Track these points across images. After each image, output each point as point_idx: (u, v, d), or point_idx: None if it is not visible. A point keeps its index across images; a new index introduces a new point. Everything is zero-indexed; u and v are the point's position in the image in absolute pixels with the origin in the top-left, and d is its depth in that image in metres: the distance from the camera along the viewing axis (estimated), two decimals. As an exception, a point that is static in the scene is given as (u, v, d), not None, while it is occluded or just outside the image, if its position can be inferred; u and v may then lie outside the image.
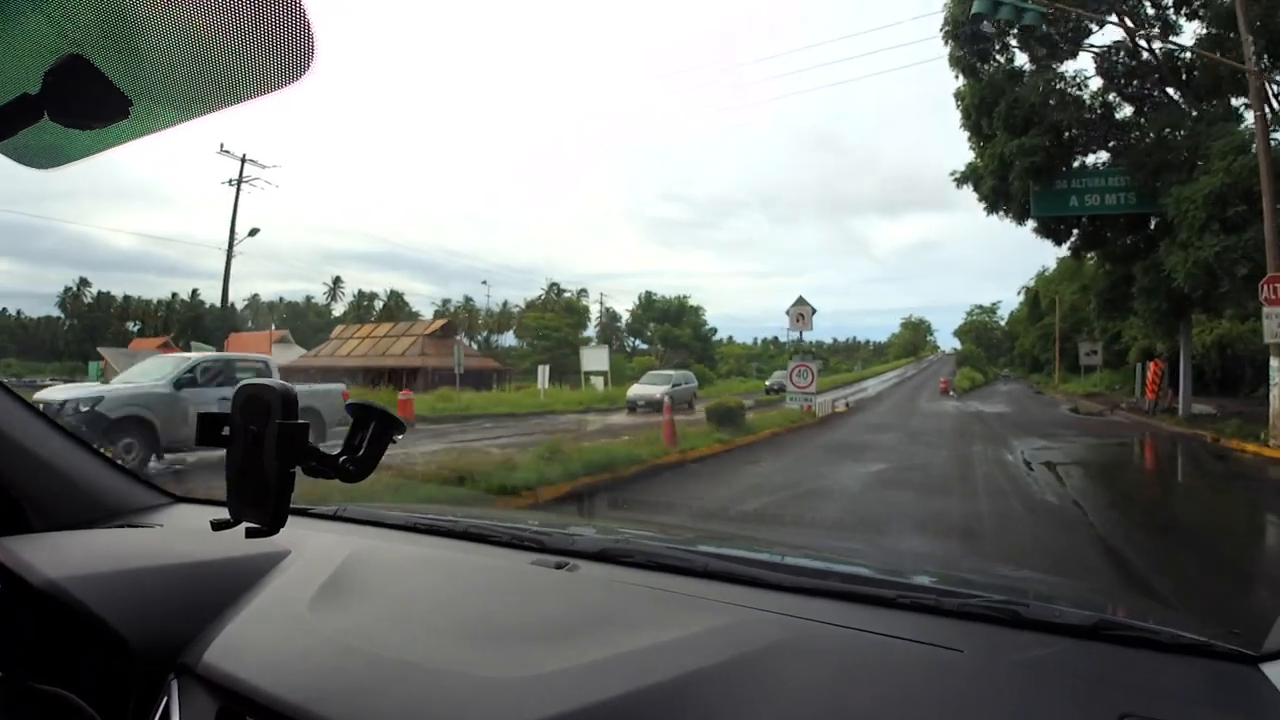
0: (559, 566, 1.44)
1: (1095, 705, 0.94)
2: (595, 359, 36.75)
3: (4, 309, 69.44)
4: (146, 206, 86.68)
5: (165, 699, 1.12)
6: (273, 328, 53.96)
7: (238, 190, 28.16)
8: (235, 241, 27.37)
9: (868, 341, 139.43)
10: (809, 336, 22.30)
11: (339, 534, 1.69)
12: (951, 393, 42.54)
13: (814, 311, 21.69)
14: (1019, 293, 66.29)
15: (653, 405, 24.98)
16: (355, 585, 1.33)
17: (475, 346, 63.71)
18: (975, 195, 22.72)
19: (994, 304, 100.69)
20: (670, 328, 67.04)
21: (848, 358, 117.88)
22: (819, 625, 1.17)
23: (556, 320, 61.32)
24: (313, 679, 1.02)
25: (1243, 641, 1.06)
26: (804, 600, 1.28)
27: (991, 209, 22.49)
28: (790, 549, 1.82)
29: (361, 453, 0.99)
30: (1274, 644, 1.02)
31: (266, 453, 0.92)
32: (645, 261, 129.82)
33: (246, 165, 29.24)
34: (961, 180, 23.09)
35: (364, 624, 1.19)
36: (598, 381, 33.06)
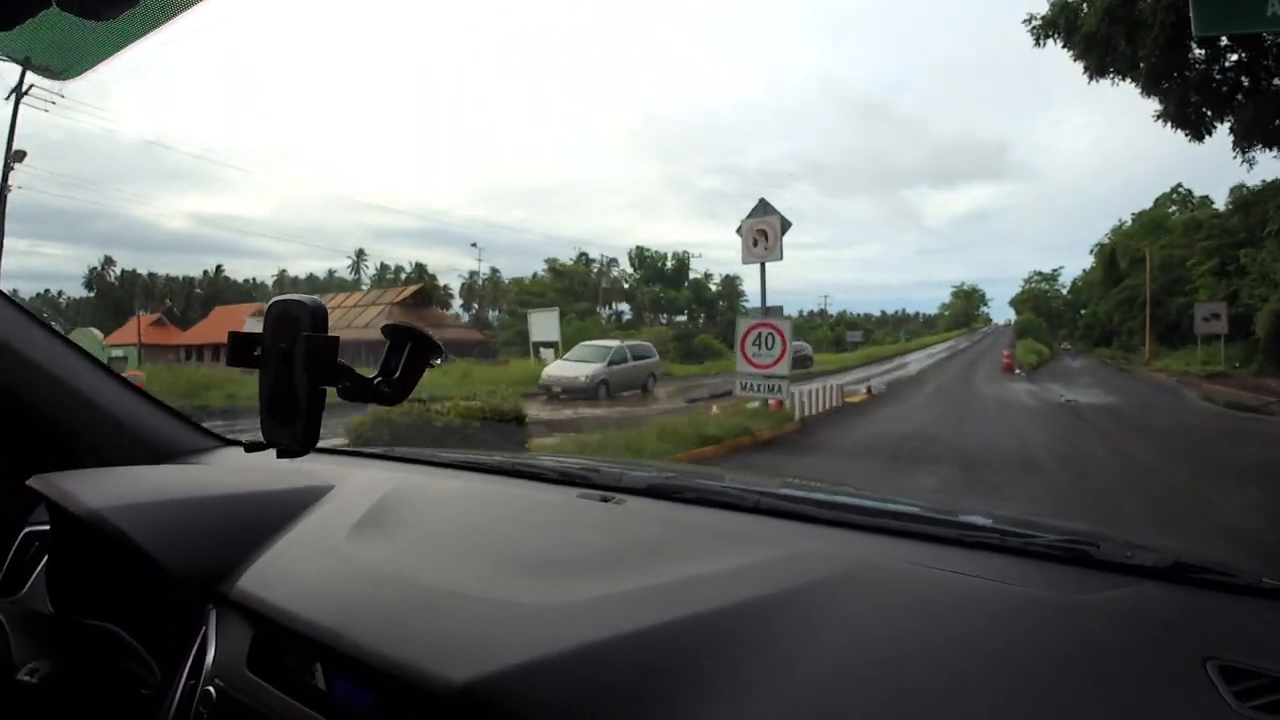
0: (605, 500, 1.41)
1: (1174, 649, 0.88)
2: (544, 326, 28.48)
3: (47, 289, 66.89)
4: (193, 186, 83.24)
5: (204, 629, 1.14)
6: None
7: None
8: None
9: (917, 314, 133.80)
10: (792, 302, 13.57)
11: (386, 471, 1.70)
12: (1018, 370, 33.29)
13: (787, 227, 12.85)
14: (1091, 251, 55.91)
15: (578, 391, 18.11)
16: (395, 518, 1.31)
17: (469, 317, 57.12)
18: (1069, 53, 13.97)
19: (1055, 270, 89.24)
20: (665, 290, 57.83)
21: (894, 330, 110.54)
22: (876, 560, 1.12)
23: (540, 286, 53.32)
24: (345, 605, 1.00)
25: None
26: (860, 536, 1.26)
27: (1100, 67, 13.46)
28: (847, 488, 1.84)
29: (398, 375, 0.93)
30: None
31: (297, 370, 0.89)
32: (694, 234, 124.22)
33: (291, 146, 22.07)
34: (1046, 28, 14.08)
35: (401, 554, 1.17)
36: (548, 354, 24.93)
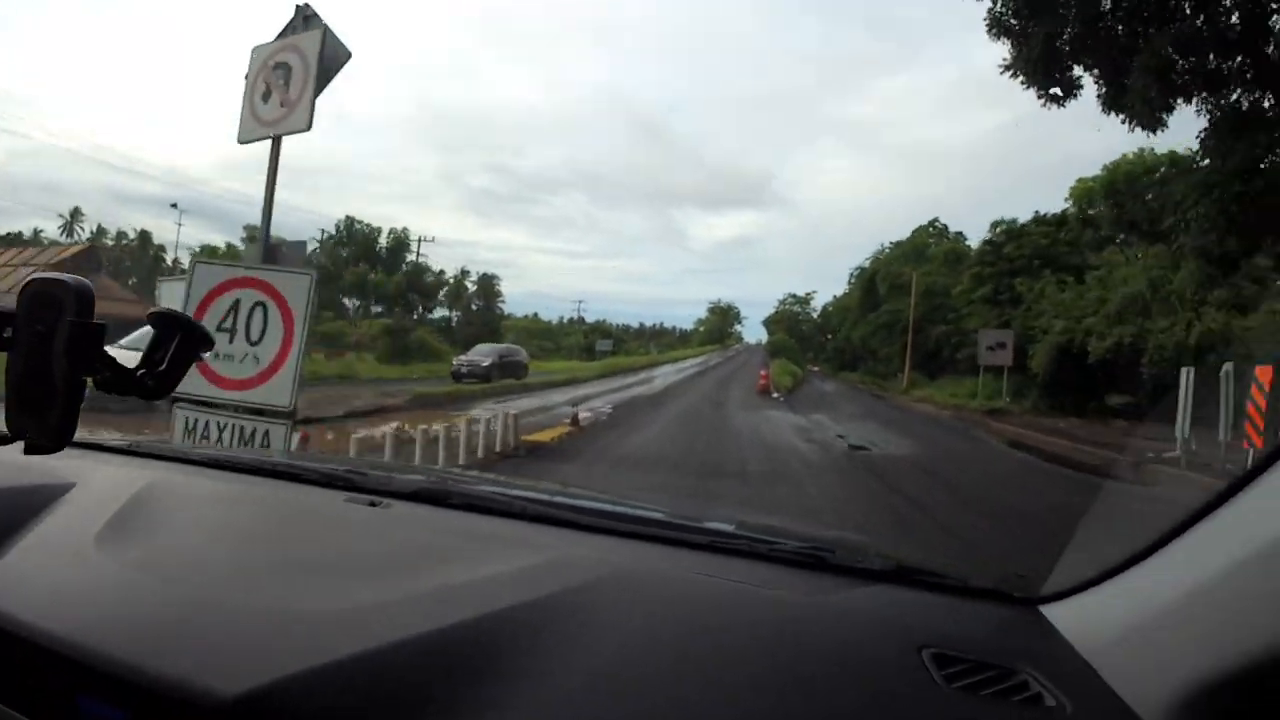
0: (373, 505, 1.36)
1: (896, 640, 0.98)
2: (173, 296, 17.37)
3: None
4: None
5: None
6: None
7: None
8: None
9: (675, 328, 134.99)
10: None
11: (133, 468, 1.53)
12: (775, 393, 27.35)
13: (338, 63, 4.66)
14: (851, 275, 53.56)
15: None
16: (149, 519, 1.21)
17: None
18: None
19: (809, 294, 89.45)
20: (377, 272, 47.63)
21: (650, 342, 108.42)
22: (635, 565, 1.18)
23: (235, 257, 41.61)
24: (97, 616, 0.91)
25: (1025, 586, 1.16)
26: (621, 542, 1.31)
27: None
28: (608, 496, 1.82)
29: (164, 367, 0.87)
30: (1051, 588, 1.11)
31: (55, 356, 0.80)
32: (465, 231, 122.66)
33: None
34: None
35: (157, 558, 1.08)
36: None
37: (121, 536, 1.12)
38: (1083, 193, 30.62)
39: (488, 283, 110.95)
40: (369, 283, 44.40)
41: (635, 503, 1.73)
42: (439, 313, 62.62)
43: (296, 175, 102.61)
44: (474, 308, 73.22)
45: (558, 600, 0.98)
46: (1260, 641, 0.67)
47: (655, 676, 0.86)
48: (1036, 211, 32.22)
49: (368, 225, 46.04)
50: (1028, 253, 30.47)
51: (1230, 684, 0.71)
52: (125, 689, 0.81)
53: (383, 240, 48.27)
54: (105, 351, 0.82)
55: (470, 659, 0.84)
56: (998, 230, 33.36)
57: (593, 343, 67.43)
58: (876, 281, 46.56)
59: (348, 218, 46.42)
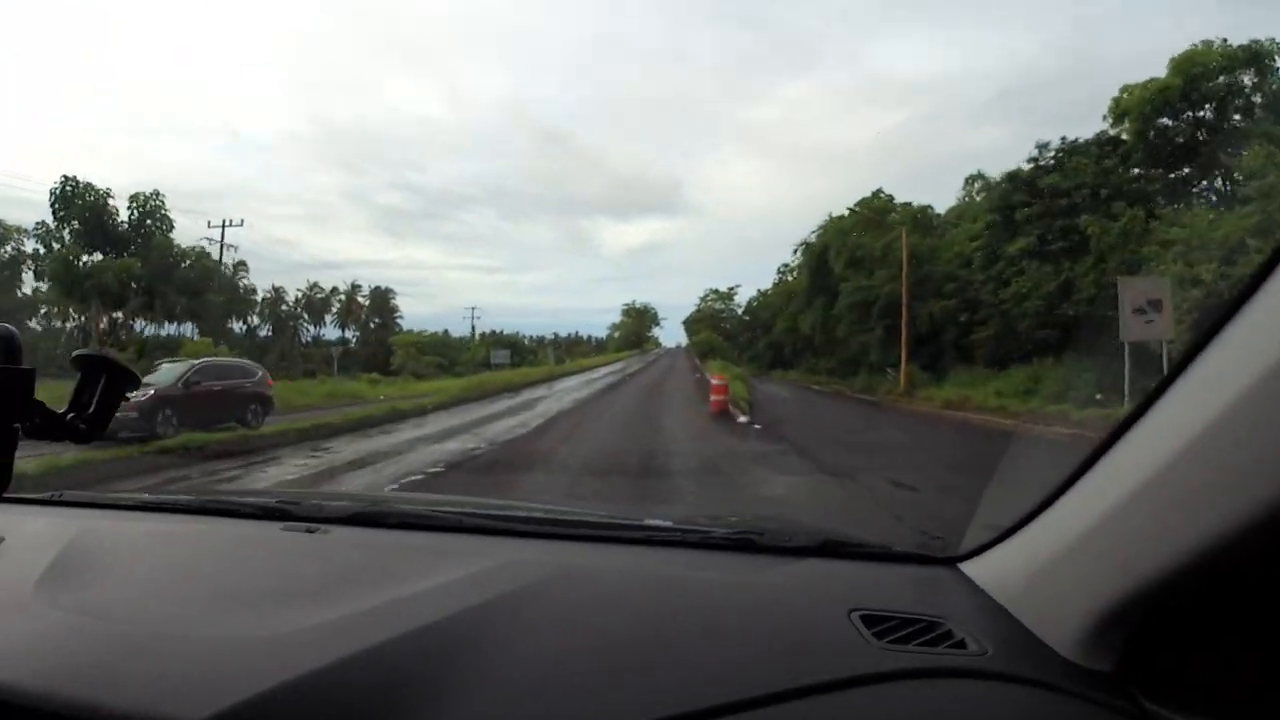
0: (310, 532, 1.36)
1: (826, 606, 1.04)
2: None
3: None
4: None
5: None
6: None
7: None
8: None
9: (590, 337, 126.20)
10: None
11: (60, 518, 1.49)
12: (742, 416, 15.53)
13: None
14: (795, 251, 42.34)
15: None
16: (86, 565, 1.18)
17: None
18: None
19: (732, 288, 78.63)
20: (130, 264, 32.25)
21: (567, 352, 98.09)
22: (575, 564, 1.20)
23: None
24: (52, 662, 0.89)
25: (943, 547, 1.30)
26: (559, 545, 1.35)
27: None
28: (541, 505, 1.96)
29: (92, 409, 0.87)
30: (965, 547, 1.21)
31: None
32: (373, 251, 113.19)
33: None
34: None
35: (103, 603, 1.06)
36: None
37: (62, 583, 1.09)
38: (1144, 102, 20.87)
39: (381, 298, 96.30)
40: (88, 266, 30.54)
41: (570, 509, 1.91)
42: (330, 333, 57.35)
43: (190, 199, 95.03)
44: (371, 326, 67.62)
45: (502, 603, 1.00)
46: (1152, 566, 0.72)
47: (601, 665, 0.89)
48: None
49: (99, 190, 31.96)
50: (1088, 182, 20.51)
51: (1128, 609, 0.77)
52: None
53: (122, 211, 33.95)
54: (35, 398, 0.80)
55: (422, 665, 0.85)
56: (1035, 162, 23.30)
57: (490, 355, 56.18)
58: (829, 257, 36.02)
59: (64, 178, 31.94)
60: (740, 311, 74.31)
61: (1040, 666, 0.85)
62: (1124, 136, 22.04)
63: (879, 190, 36.93)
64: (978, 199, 32.82)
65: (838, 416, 18.33)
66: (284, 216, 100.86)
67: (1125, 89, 22.16)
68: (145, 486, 7.08)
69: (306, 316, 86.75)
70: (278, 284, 70.65)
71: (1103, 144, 21.93)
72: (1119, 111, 22.06)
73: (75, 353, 0.89)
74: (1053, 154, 22.70)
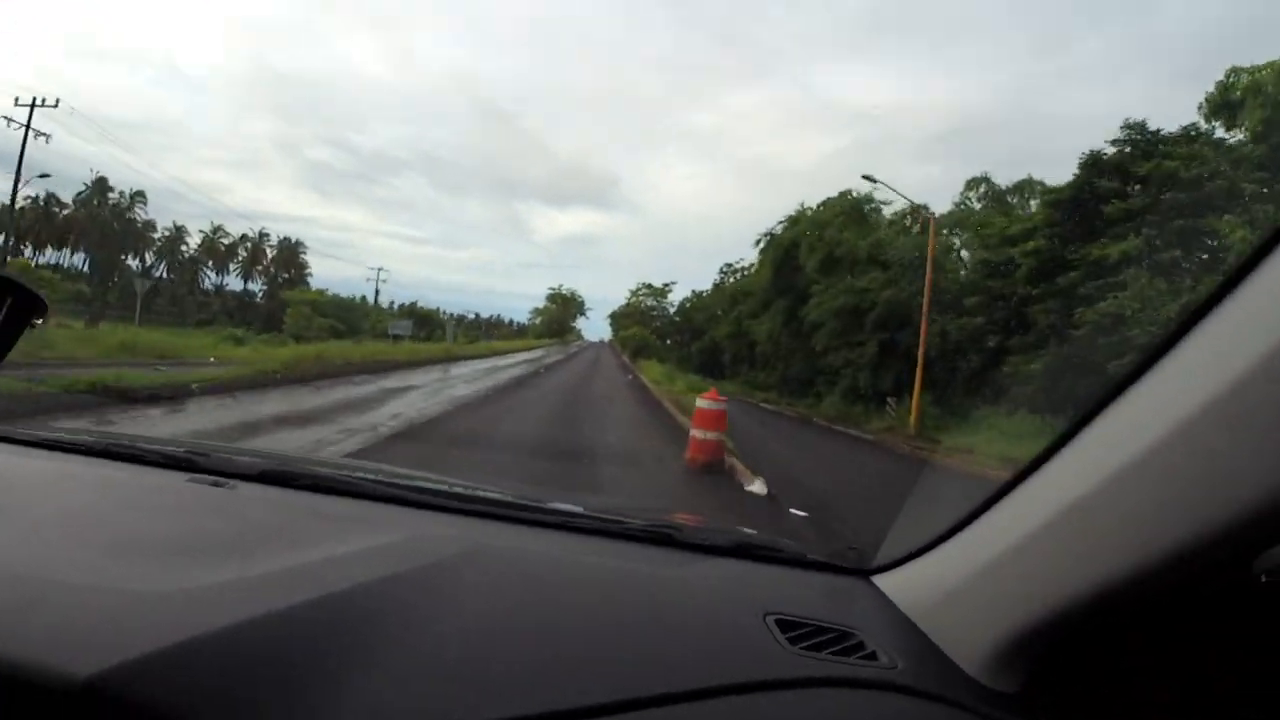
0: (217, 486, 1.31)
1: (741, 608, 1.02)
2: None
3: None
4: None
5: None
6: None
7: None
8: None
9: (512, 321, 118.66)
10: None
11: None
12: (759, 483, 8.02)
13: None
14: (757, 243, 35.45)
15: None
16: None
17: None
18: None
19: (666, 285, 71.60)
20: None
21: (486, 333, 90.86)
22: (490, 543, 1.17)
23: None
24: None
25: (855, 559, 1.26)
26: (474, 521, 1.30)
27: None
28: (458, 480, 1.73)
29: None
30: (880, 560, 1.20)
31: None
32: (298, 206, 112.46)
33: None
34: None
35: None
36: None
37: None
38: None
39: (290, 250, 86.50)
40: None
41: (486, 486, 1.68)
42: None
43: (119, 128, 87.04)
44: (280, 280, 64.27)
45: (409, 577, 0.97)
46: (1061, 596, 0.73)
47: (508, 649, 0.86)
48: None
49: None
50: (1222, 173, 14.43)
51: (1036, 633, 0.78)
52: None
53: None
54: None
55: (321, 636, 0.82)
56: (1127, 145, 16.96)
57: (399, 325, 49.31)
58: (799, 254, 29.51)
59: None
60: (672, 311, 67.96)
61: (948, 684, 0.86)
62: (1234, 133, 16.20)
63: (847, 191, 30.75)
64: (977, 205, 26.95)
65: (886, 480, 11.16)
66: (211, 160, 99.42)
67: (1234, 70, 16.29)
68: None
69: (211, 263, 77.55)
70: (181, 224, 67.63)
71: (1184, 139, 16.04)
72: (1225, 100, 16.16)
73: None
74: (1147, 139, 16.60)
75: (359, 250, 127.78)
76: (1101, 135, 17.80)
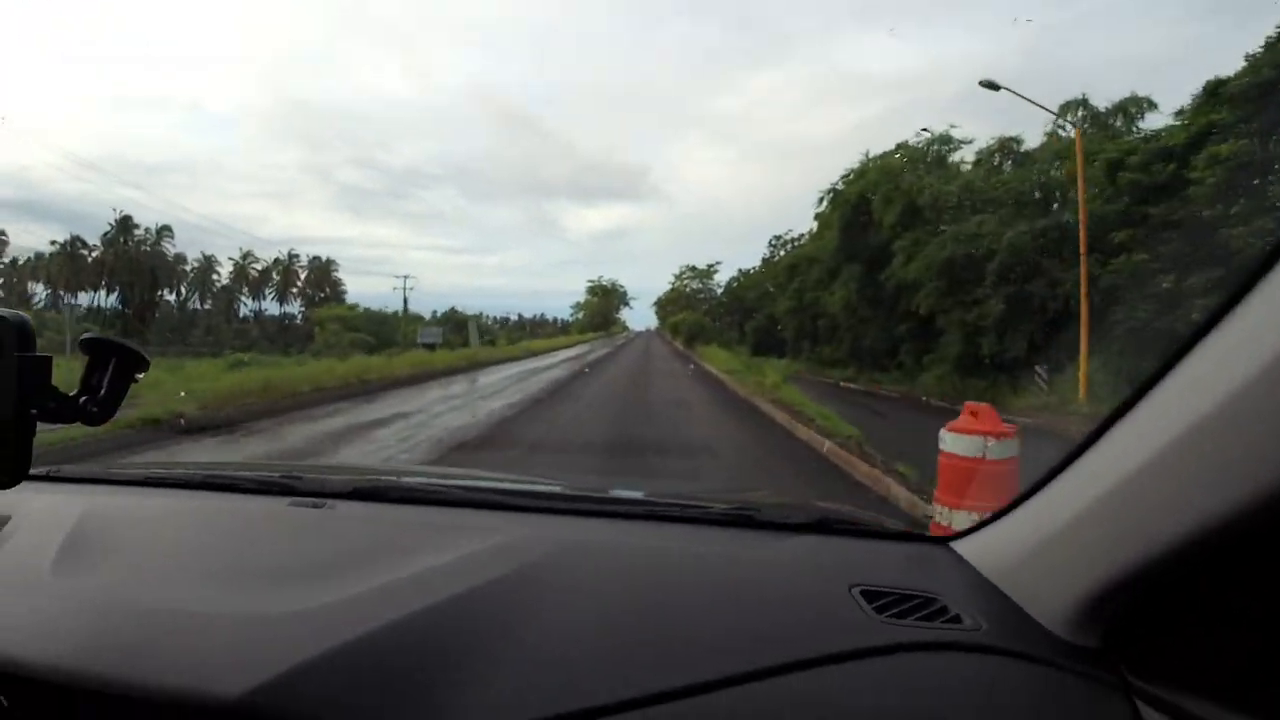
0: (315, 508, 1.33)
1: (826, 582, 1.04)
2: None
3: None
4: None
5: None
6: None
7: None
8: None
9: (555, 319, 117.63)
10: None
11: (63, 494, 1.44)
12: None
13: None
14: (820, 201, 30.45)
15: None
16: (99, 544, 1.16)
17: None
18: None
19: (712, 266, 66.96)
20: None
21: (531, 334, 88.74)
22: (580, 539, 1.20)
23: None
24: (81, 641, 0.88)
25: (934, 529, 1.81)
26: (562, 519, 1.33)
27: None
28: (541, 478, 1.82)
29: (103, 392, 0.86)
30: (956, 528, 1.24)
31: (2, 394, 0.79)
32: (334, 228, 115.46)
33: None
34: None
35: (120, 580, 1.05)
36: None
37: (77, 563, 1.08)
38: None
39: (322, 269, 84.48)
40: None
41: (570, 482, 1.72)
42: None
43: (145, 174, 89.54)
44: (317, 300, 63.48)
45: (507, 580, 0.99)
46: (1139, 549, 0.73)
47: (611, 638, 0.90)
48: None
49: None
50: None
51: (1116, 588, 0.78)
52: (131, 707, 0.81)
53: None
54: (52, 384, 0.81)
55: (434, 643, 0.85)
56: None
57: (436, 335, 45.51)
58: (872, 208, 24.99)
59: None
60: (719, 293, 63.35)
61: (1031, 642, 0.88)
62: None
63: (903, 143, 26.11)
64: (1076, 130, 22.14)
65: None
66: (244, 194, 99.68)
67: None
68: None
69: (245, 290, 76.24)
70: (209, 252, 68.08)
71: None
72: None
73: (83, 337, 0.88)
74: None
75: (396, 265, 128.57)
76: (1121, 80, 13.88)
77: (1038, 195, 18.31)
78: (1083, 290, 14.41)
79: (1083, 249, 14.73)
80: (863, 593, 0.99)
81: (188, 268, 70.75)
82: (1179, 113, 16.17)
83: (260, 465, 2.13)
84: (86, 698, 0.81)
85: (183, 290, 70.96)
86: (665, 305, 72.90)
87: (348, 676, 0.80)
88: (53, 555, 1.09)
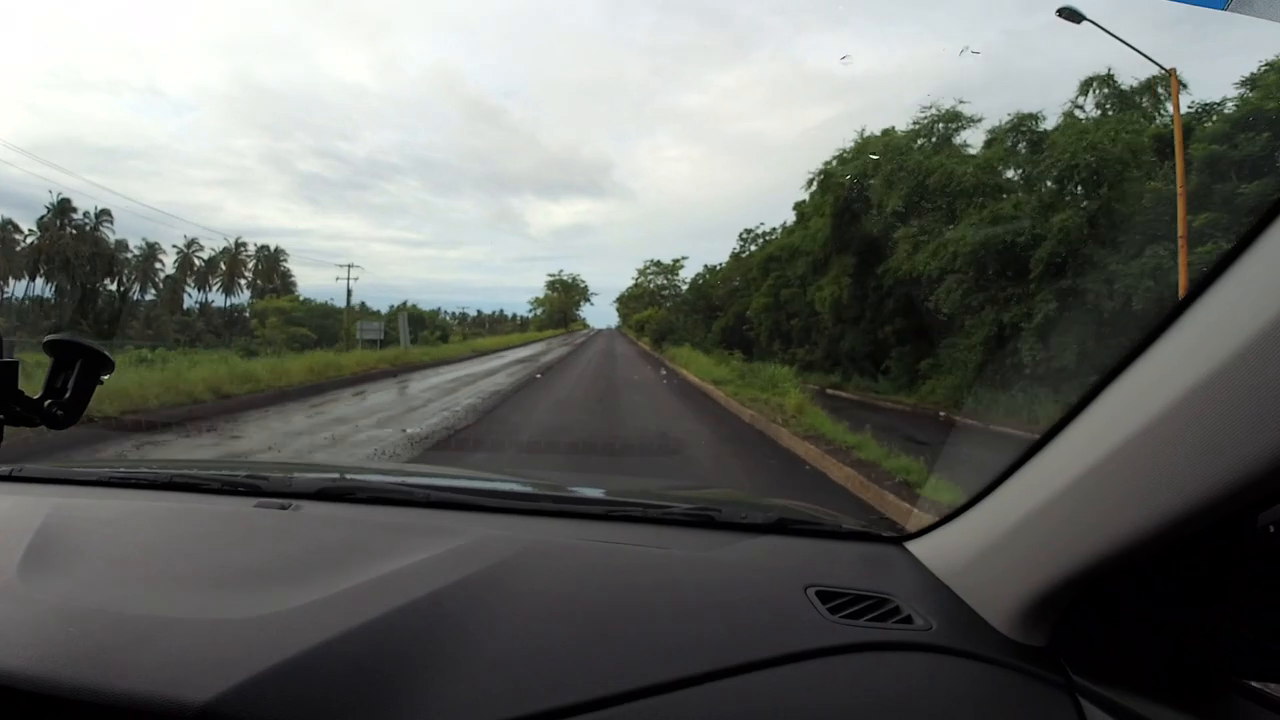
0: (283, 508, 1.33)
1: (782, 582, 1.07)
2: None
3: None
4: None
5: None
6: None
7: None
8: None
9: (514, 315, 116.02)
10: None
11: (27, 495, 1.45)
12: None
13: None
14: (810, 183, 26.15)
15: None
16: (65, 546, 1.15)
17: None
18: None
19: (677, 260, 63.27)
20: None
21: (490, 331, 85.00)
22: (544, 539, 1.20)
23: None
24: (48, 646, 0.88)
25: (889, 527, 1.31)
26: (527, 520, 1.35)
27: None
28: (507, 477, 1.85)
29: (69, 395, 0.87)
30: (912, 527, 1.24)
31: None
32: (292, 219, 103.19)
33: None
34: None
35: (90, 585, 1.05)
36: None
37: (43, 566, 1.07)
38: None
39: (271, 259, 78.94)
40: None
41: (533, 481, 1.71)
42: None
43: (105, 158, 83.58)
44: (266, 291, 58.32)
45: (477, 579, 1.00)
46: (1083, 552, 0.75)
47: (574, 639, 0.90)
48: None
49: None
50: None
51: (1061, 590, 0.81)
52: (92, 712, 0.80)
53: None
54: (17, 389, 0.80)
55: (401, 644, 0.86)
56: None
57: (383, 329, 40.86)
58: (870, 191, 21.66)
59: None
60: (684, 289, 59.80)
61: (980, 641, 0.90)
62: None
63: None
64: (1094, 111, 19.11)
65: None
66: (202, 181, 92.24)
67: None
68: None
69: (192, 280, 71.00)
70: (154, 241, 62.58)
71: None
72: None
73: (48, 338, 0.86)
74: None
75: (356, 257, 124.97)
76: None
77: (1080, 177, 15.06)
78: (1181, 281, 11.15)
79: (1181, 215, 11.49)
80: (818, 593, 1.02)
81: (130, 255, 65.52)
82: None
83: (226, 464, 2.23)
84: (53, 704, 0.80)
85: (124, 279, 65.65)
86: (628, 302, 69.20)
87: (313, 681, 0.79)
88: (18, 558, 1.07)
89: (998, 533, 0.92)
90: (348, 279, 56.27)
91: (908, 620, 0.95)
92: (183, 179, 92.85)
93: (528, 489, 1.58)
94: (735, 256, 41.84)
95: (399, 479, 1.61)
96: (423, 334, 50.27)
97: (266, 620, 0.89)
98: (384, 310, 57.55)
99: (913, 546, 1.20)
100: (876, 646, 0.90)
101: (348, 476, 1.57)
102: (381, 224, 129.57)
